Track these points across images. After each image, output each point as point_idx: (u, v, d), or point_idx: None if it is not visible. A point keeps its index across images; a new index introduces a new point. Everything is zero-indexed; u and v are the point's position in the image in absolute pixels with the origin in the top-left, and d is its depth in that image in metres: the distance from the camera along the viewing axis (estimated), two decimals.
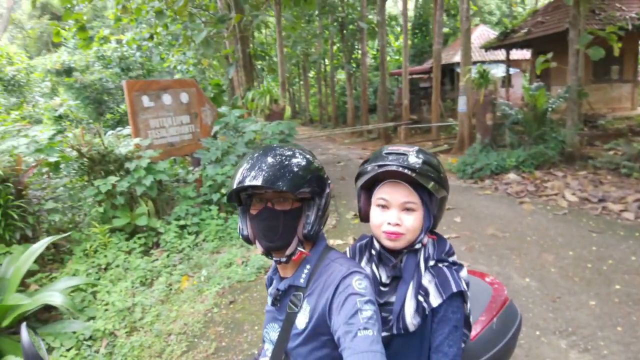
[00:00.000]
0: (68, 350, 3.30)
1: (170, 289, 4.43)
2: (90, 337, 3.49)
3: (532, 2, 24.02)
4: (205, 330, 3.74)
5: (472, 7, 21.17)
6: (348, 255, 1.50)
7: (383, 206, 1.29)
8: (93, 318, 3.76)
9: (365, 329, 1.07)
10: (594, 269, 4.34)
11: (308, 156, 1.30)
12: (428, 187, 1.24)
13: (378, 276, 1.36)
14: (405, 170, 1.23)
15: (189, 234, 5.59)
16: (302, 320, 1.25)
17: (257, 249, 1.31)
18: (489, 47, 15.71)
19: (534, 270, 4.43)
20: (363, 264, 1.42)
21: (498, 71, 16.10)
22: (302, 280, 1.28)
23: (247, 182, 1.17)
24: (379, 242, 1.35)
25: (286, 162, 1.22)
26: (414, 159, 1.27)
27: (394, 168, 1.25)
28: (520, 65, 20.19)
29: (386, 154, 1.32)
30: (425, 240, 1.33)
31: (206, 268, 4.83)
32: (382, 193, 1.29)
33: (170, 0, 9.37)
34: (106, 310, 3.87)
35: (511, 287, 4.08)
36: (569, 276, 4.24)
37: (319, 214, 1.27)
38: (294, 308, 1.27)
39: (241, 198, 1.32)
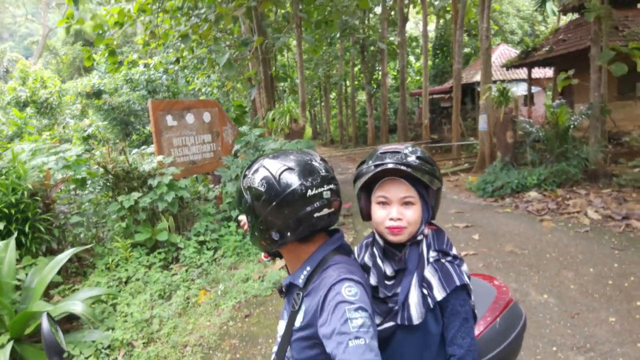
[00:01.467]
0: (87, 358, 3.40)
1: (188, 303, 4.51)
2: (109, 347, 3.59)
3: (554, 20, 23.88)
4: (220, 343, 3.79)
5: (493, 27, 21.20)
6: (356, 252, 1.54)
7: (384, 203, 1.36)
8: (112, 328, 3.86)
9: (356, 337, 1.06)
10: (614, 286, 4.24)
11: (254, 176, 1.32)
12: (424, 180, 1.31)
13: (383, 270, 1.41)
14: (402, 167, 1.30)
15: (208, 249, 5.69)
16: (299, 319, 1.30)
17: None
18: (510, 65, 15.65)
19: (553, 287, 4.35)
20: (367, 258, 1.48)
21: (519, 89, 16.02)
22: (300, 280, 1.33)
23: None
24: (382, 238, 1.41)
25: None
26: (409, 156, 1.34)
27: (391, 166, 1.31)
28: (542, 84, 20.02)
29: (381, 153, 1.39)
30: (427, 231, 1.40)
31: (223, 283, 4.91)
32: (382, 191, 1.36)
33: (196, 25, 9.73)
34: (125, 321, 3.97)
35: (528, 304, 4.01)
36: (589, 293, 4.15)
37: (254, 228, 1.35)
38: (295, 306, 1.32)
39: None
